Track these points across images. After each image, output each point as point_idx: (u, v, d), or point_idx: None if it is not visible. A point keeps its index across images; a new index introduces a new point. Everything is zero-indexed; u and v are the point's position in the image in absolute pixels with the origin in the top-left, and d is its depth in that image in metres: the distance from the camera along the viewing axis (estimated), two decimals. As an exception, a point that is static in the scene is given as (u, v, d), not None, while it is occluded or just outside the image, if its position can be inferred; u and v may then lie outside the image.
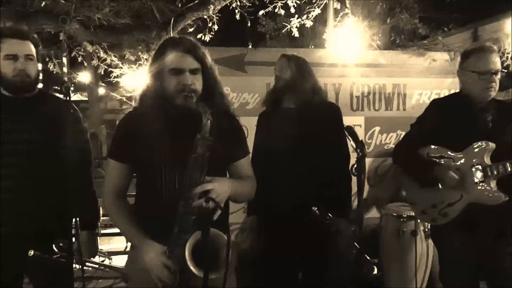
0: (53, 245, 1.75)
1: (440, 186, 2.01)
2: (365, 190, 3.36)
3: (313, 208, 1.99)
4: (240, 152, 1.67)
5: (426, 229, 2.85)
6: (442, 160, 2.01)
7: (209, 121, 1.34)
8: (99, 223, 2.06)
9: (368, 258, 2.02)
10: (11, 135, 1.77)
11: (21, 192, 1.77)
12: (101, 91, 11.78)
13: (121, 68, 6.76)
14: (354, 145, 1.31)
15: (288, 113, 2.17)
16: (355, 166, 1.30)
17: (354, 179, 1.65)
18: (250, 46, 3.92)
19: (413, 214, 2.84)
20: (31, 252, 1.68)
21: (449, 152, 2.01)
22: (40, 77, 1.87)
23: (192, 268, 1.29)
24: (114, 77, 6.96)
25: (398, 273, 2.89)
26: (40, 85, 1.92)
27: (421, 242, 2.83)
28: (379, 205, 3.40)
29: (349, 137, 1.35)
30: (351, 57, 3.44)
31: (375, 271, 2.08)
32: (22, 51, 1.78)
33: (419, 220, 2.76)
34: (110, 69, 6.79)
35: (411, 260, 2.82)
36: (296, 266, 2.19)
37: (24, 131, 1.79)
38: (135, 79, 6.39)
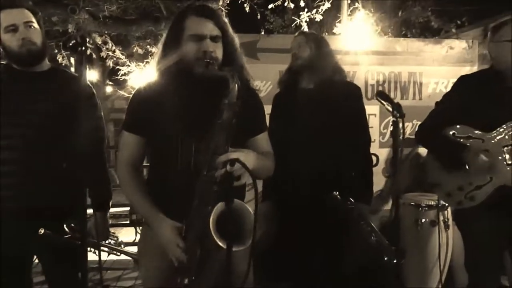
0: (64, 225, 1.69)
1: (467, 168, 1.90)
2: (381, 181, 3.32)
3: (334, 192, 1.91)
4: (259, 127, 1.61)
5: (446, 219, 2.75)
6: (469, 140, 1.91)
7: (236, 85, 1.27)
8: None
9: (390, 245, 1.94)
10: (23, 108, 1.71)
11: (31, 165, 1.70)
12: (108, 89, 11.77)
13: (129, 66, 6.74)
14: (390, 108, 1.23)
15: (306, 94, 2.08)
16: (391, 129, 1.22)
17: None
18: (262, 33, 3.85)
19: (433, 203, 2.75)
20: (42, 231, 1.62)
21: (477, 132, 1.90)
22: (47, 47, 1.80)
23: (217, 240, 1.22)
24: (122, 75, 6.94)
25: (416, 265, 2.79)
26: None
27: (441, 232, 2.73)
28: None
29: (382, 101, 1.27)
30: (365, 45, 3.36)
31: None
32: (20, 19, 1.71)
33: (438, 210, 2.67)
34: (118, 67, 6.77)
35: (430, 251, 2.72)
36: (315, 253, 2.10)
37: (35, 104, 1.72)
38: (142, 77, 6.36)
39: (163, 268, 1.42)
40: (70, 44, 1.07)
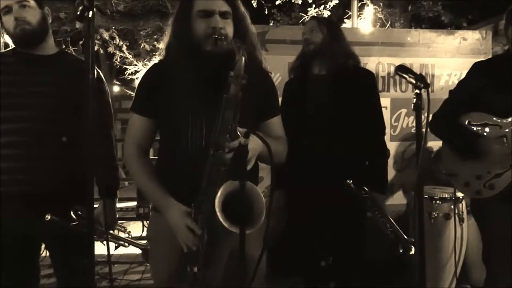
0: (71, 211, 1.65)
1: (485, 156, 1.83)
2: (390, 174, 3.25)
3: (348, 181, 1.85)
4: (272, 110, 1.55)
5: (461, 212, 2.68)
6: (486, 127, 1.84)
7: (243, 57, 1.21)
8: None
9: (405, 236, 1.87)
10: (28, 91, 1.68)
11: (36, 149, 1.67)
12: (115, 89, 11.77)
13: (136, 65, 6.73)
14: (413, 80, 1.17)
15: (319, 80, 2.02)
16: (414, 101, 1.16)
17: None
18: (271, 24, 3.80)
19: (446, 196, 2.69)
20: (48, 216, 1.58)
21: (494, 119, 1.83)
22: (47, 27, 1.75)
23: (222, 221, 1.16)
24: (128, 74, 6.94)
25: (430, 260, 2.72)
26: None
27: (455, 226, 2.65)
28: (406, 191, 3.25)
29: (403, 74, 1.22)
30: (376, 36, 3.30)
31: (413, 251, 1.92)
32: None
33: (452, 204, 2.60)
34: (125, 66, 6.77)
35: (444, 245, 2.65)
36: (328, 243, 2.04)
37: (41, 87, 1.69)
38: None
39: (172, 256, 1.38)
40: (78, 13, 1.03)
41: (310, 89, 2.03)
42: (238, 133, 1.24)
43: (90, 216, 1.19)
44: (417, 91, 1.17)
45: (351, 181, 1.85)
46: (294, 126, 1.98)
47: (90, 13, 1.00)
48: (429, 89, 1.16)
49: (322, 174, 1.92)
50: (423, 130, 1.21)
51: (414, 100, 1.16)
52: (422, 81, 1.17)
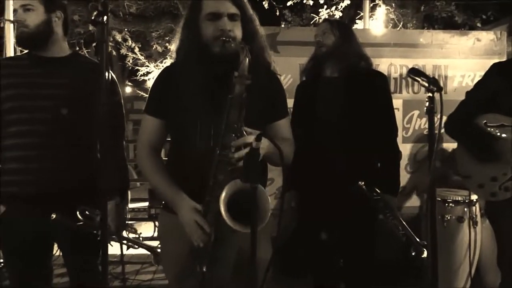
0: (77, 212, 1.66)
1: (501, 158, 1.81)
2: (404, 178, 3.22)
3: (360, 183, 1.84)
4: (280, 111, 1.55)
5: (474, 215, 2.64)
6: (503, 129, 1.82)
7: (247, 58, 1.23)
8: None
9: (418, 239, 1.85)
10: (39, 91, 1.70)
11: (47, 150, 1.69)
12: (128, 90, 11.88)
13: (148, 66, 6.80)
14: (425, 83, 1.16)
15: (331, 83, 2.02)
16: (427, 104, 1.15)
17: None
18: (282, 26, 3.79)
19: (460, 199, 2.65)
20: (53, 216, 1.60)
21: (511, 120, 1.81)
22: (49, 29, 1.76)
23: (228, 221, 1.18)
24: (141, 75, 7.01)
25: (443, 263, 2.68)
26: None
27: (469, 229, 2.62)
28: (419, 193, 3.21)
29: (416, 77, 1.21)
30: (388, 37, 3.27)
31: (425, 254, 1.90)
32: (18, 3, 1.73)
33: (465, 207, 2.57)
34: (137, 67, 6.84)
35: (458, 248, 2.62)
36: (339, 245, 2.03)
37: (52, 89, 1.71)
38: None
39: (182, 253, 1.39)
40: (93, 17, 1.04)
41: (322, 91, 2.02)
42: (244, 132, 1.25)
43: (104, 217, 1.20)
44: (430, 94, 1.15)
45: (363, 182, 1.84)
46: (306, 128, 1.99)
47: (105, 17, 1.00)
48: (442, 92, 1.14)
49: (334, 176, 1.91)
50: (436, 132, 1.20)
51: (427, 104, 1.15)
52: (435, 84, 1.16)
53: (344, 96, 1.96)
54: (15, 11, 1.75)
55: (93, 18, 1.04)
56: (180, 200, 1.37)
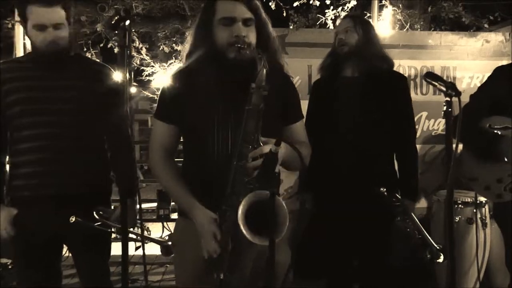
0: (94, 212, 1.68)
1: (506, 159, 1.82)
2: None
3: (382, 189, 1.79)
4: (295, 114, 1.55)
5: (483, 217, 2.64)
6: (507, 131, 1.82)
7: (265, 69, 1.22)
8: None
9: (434, 243, 1.84)
10: (47, 94, 1.71)
11: (62, 152, 1.71)
12: (133, 90, 11.92)
13: (153, 66, 6.81)
14: (443, 87, 1.16)
15: (352, 82, 1.96)
16: (444, 108, 1.15)
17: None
18: (291, 27, 3.79)
19: (469, 200, 2.65)
20: (73, 218, 1.61)
21: (516, 122, 1.82)
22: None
23: (246, 234, 1.17)
24: (146, 75, 7.02)
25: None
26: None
27: (478, 230, 2.61)
28: (427, 195, 3.20)
29: (433, 81, 1.21)
30: (396, 38, 3.27)
31: (441, 259, 1.87)
32: (47, 19, 1.65)
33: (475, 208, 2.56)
34: (142, 67, 6.85)
35: (467, 250, 2.61)
36: (354, 247, 2.01)
37: (59, 90, 1.72)
38: (166, 77, 6.42)
39: (197, 261, 1.37)
40: (113, 22, 1.05)
41: (342, 91, 1.98)
42: (261, 143, 1.25)
43: (124, 220, 1.21)
44: (448, 98, 1.15)
45: (384, 189, 1.80)
46: (324, 127, 1.96)
47: (127, 22, 1.01)
48: (459, 92, 1.14)
49: (351, 177, 1.89)
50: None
51: (445, 107, 1.15)
52: (453, 89, 1.16)
53: (365, 97, 1.92)
54: (41, 25, 1.66)
55: (113, 22, 1.04)
56: (196, 209, 1.36)
